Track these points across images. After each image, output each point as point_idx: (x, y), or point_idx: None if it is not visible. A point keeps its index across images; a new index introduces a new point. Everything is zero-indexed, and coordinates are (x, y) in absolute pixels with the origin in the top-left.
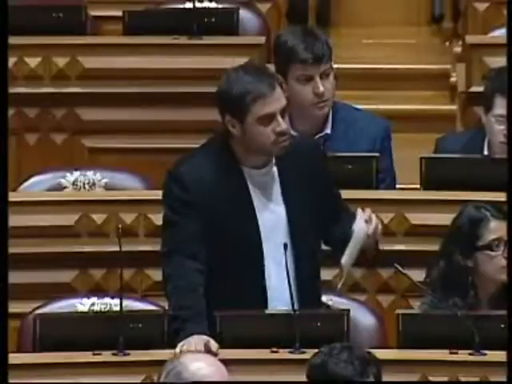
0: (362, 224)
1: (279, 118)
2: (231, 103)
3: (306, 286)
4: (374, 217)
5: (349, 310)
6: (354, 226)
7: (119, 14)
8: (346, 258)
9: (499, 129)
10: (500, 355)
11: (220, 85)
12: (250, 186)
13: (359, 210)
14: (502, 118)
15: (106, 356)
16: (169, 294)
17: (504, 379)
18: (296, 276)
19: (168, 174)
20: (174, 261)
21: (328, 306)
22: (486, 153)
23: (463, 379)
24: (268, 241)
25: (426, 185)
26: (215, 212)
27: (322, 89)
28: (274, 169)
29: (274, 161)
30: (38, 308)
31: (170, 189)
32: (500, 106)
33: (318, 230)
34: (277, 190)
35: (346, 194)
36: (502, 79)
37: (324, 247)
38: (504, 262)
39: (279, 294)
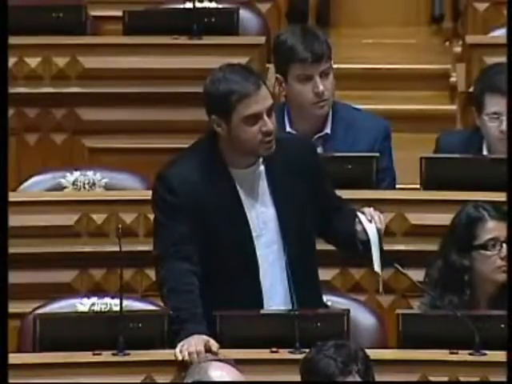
0: (370, 225)
1: (265, 117)
2: (216, 103)
3: (301, 285)
4: (372, 211)
5: (349, 310)
6: (357, 226)
7: (119, 14)
8: (376, 264)
9: (494, 126)
10: (500, 355)
11: (205, 84)
12: (238, 187)
13: (359, 214)
14: (495, 115)
15: (106, 356)
16: (164, 297)
17: (504, 379)
18: (290, 275)
19: (156, 177)
20: (167, 264)
21: (327, 306)
22: (484, 153)
23: (463, 379)
24: (260, 240)
25: (426, 185)
26: (204, 214)
27: (321, 88)
28: (262, 167)
29: (261, 160)
30: (38, 308)
31: (159, 191)
32: (490, 104)
33: (311, 227)
34: (265, 188)
35: (346, 193)
36: (489, 77)
37: (319, 247)
38: (500, 263)
39: (274, 294)
